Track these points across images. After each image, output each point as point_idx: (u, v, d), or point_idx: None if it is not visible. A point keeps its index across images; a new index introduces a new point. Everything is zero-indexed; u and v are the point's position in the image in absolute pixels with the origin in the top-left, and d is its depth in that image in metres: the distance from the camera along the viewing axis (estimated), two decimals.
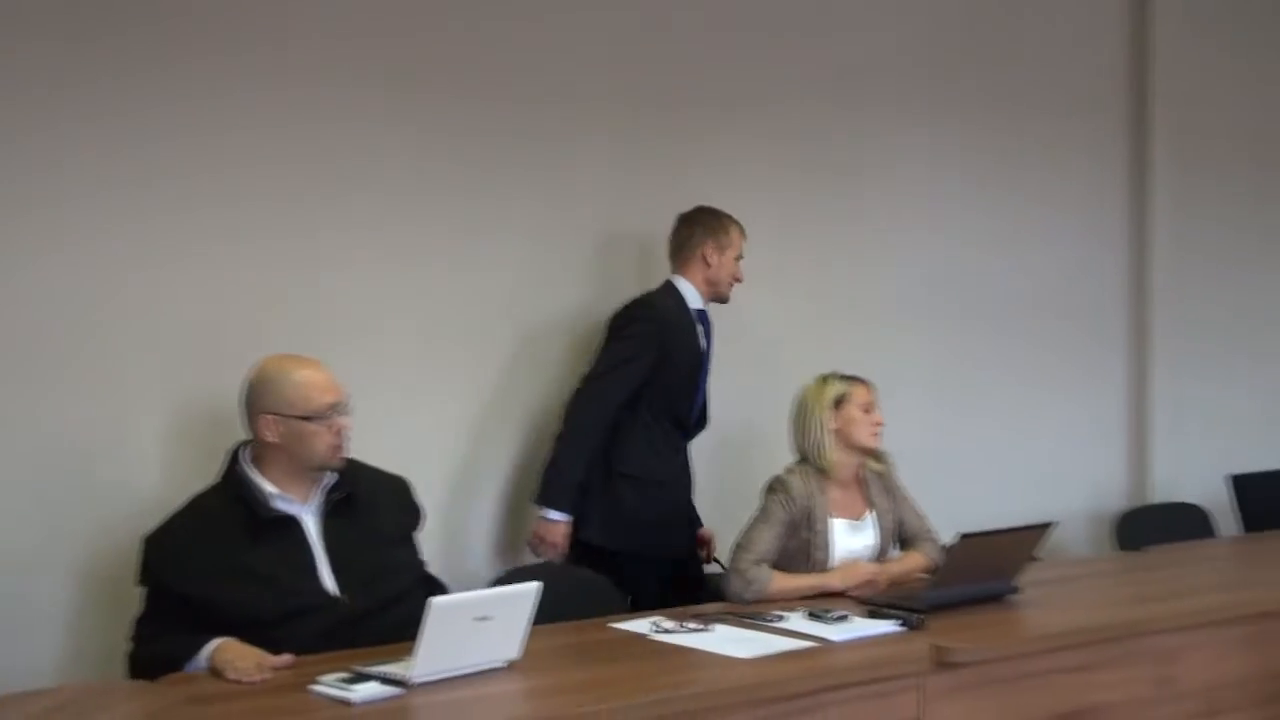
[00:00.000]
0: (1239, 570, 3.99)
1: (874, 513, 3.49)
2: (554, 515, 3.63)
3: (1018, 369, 5.11)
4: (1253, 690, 3.31)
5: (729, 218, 3.93)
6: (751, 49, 4.42)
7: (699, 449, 4.05)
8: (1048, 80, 5.15)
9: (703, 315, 3.90)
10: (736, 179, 4.35)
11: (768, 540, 3.32)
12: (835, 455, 3.42)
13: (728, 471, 4.28)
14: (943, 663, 2.78)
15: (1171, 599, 3.38)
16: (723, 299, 3.94)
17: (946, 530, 3.41)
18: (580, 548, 3.67)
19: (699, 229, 3.89)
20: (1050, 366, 5.19)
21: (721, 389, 4.18)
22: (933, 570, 3.39)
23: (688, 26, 4.29)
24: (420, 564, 2.95)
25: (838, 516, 3.42)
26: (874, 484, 3.52)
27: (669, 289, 3.87)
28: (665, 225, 4.01)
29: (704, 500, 4.17)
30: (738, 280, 3.93)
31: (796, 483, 3.39)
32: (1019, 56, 5.07)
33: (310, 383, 2.78)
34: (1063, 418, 5.21)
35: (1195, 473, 5.29)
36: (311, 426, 2.75)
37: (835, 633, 2.89)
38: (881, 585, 3.32)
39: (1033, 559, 3.42)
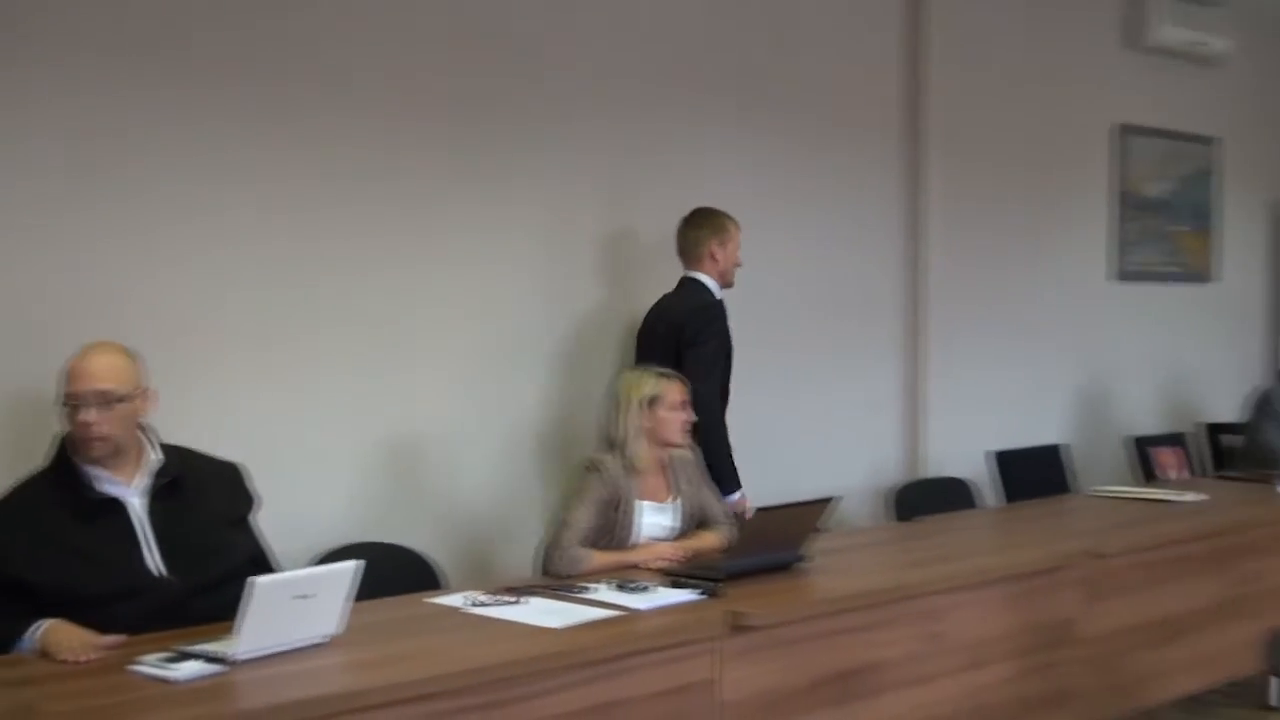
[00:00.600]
0: (1000, 536, 4.16)
1: (678, 498, 3.54)
2: (739, 494, 4.03)
3: (807, 358, 5.24)
4: (1013, 643, 3.49)
5: (725, 217, 4.30)
6: (566, 55, 4.42)
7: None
8: (834, 98, 5.29)
9: (721, 304, 4.25)
10: (566, 182, 4.38)
11: (587, 518, 3.35)
12: (642, 450, 3.46)
13: (533, 455, 4.32)
14: (738, 627, 2.86)
15: (940, 563, 3.51)
16: (730, 285, 4.31)
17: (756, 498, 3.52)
18: None
19: (704, 230, 4.27)
20: (835, 356, 5.34)
21: (551, 381, 4.24)
22: (727, 548, 3.44)
23: (521, 33, 4.27)
24: (253, 546, 2.90)
25: (645, 499, 3.47)
26: (680, 470, 3.57)
27: (698, 285, 4.24)
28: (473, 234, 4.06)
29: (510, 484, 4.23)
30: (738, 265, 4.32)
31: (612, 463, 3.43)
32: (807, 74, 5.19)
33: (70, 370, 2.68)
34: (846, 402, 5.38)
35: (962, 449, 5.55)
36: (66, 412, 2.67)
37: (640, 602, 2.94)
38: (680, 560, 3.36)
39: (819, 530, 3.52)
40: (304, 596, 2.47)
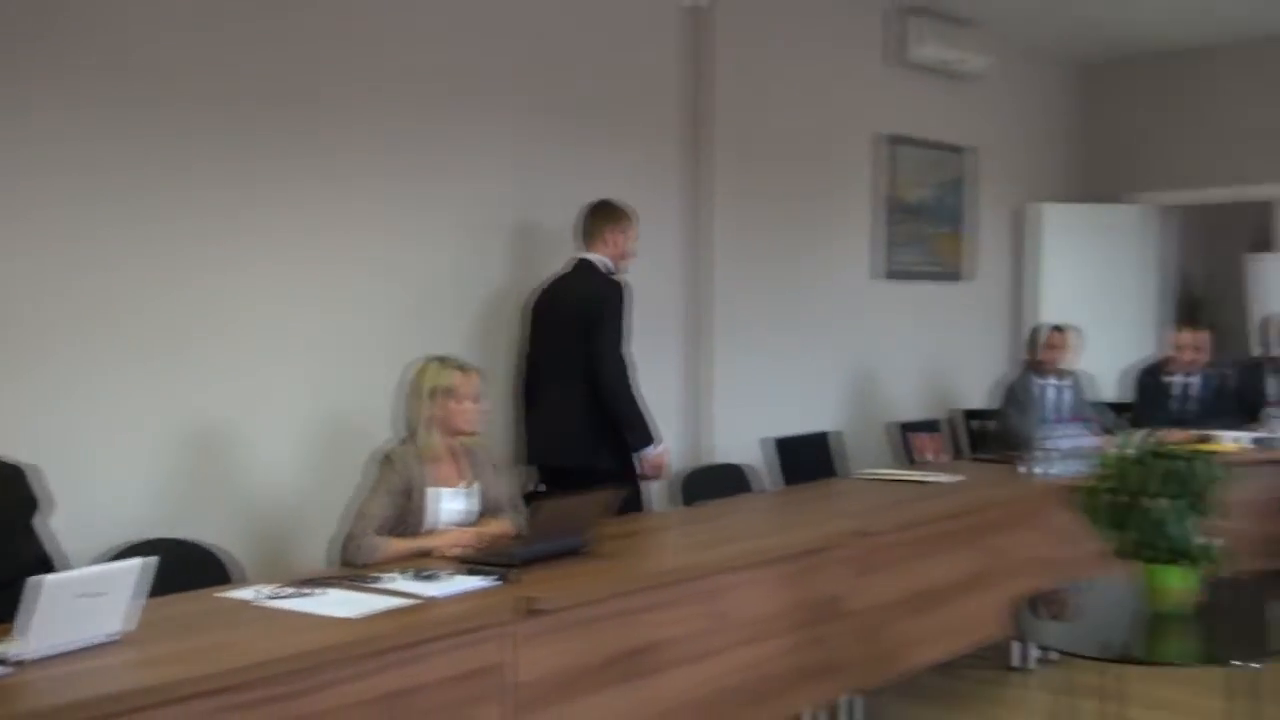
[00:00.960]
0: (777, 518, 4.28)
1: (474, 484, 3.54)
2: (659, 447, 4.41)
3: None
4: (788, 619, 3.61)
5: (625, 207, 4.65)
6: (350, 52, 4.36)
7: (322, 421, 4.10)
8: (621, 105, 5.36)
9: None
10: (337, 176, 4.31)
11: (381, 508, 3.32)
12: (434, 439, 3.45)
13: (330, 447, 4.26)
14: (531, 611, 2.88)
15: (722, 545, 3.60)
16: (622, 270, 4.60)
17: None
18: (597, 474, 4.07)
19: (602, 217, 4.59)
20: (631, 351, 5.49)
21: (325, 371, 4.17)
22: (518, 535, 3.47)
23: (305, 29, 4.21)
24: (38, 549, 2.79)
25: (440, 486, 3.46)
26: (476, 457, 3.57)
27: (592, 265, 4.55)
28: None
29: (308, 477, 4.15)
30: (633, 256, 4.65)
31: (405, 453, 3.41)
32: (595, 82, 5.24)
33: None
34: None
35: (744, 437, 5.72)
36: None
37: (435, 589, 2.93)
38: (477, 546, 3.37)
39: (608, 516, 3.59)
40: (91, 595, 2.40)
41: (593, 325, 4.38)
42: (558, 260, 4.77)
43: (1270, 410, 5.80)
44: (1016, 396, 5.97)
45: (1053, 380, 6.00)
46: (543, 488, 4.48)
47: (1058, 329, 6.12)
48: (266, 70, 4.11)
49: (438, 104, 4.65)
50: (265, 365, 4.15)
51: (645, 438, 4.40)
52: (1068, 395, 6.02)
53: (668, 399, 5.63)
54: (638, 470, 4.41)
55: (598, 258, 4.59)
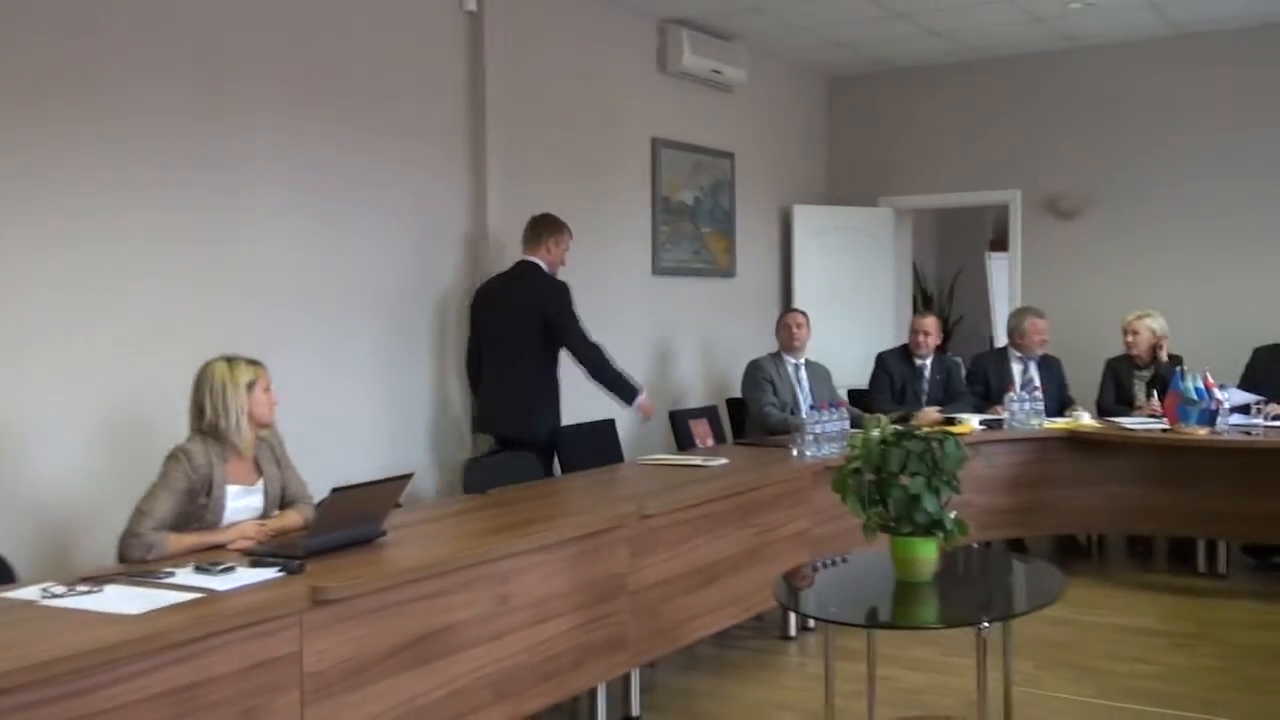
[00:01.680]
0: (561, 503, 4.27)
1: (263, 479, 3.47)
2: (643, 394, 5.30)
3: (383, 344, 5.24)
4: (573, 599, 3.64)
5: (561, 221, 5.42)
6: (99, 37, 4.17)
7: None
8: (401, 102, 5.30)
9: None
10: (126, 166, 4.13)
11: (167, 506, 3.21)
12: (247, 433, 3.39)
13: (122, 449, 4.06)
14: (319, 600, 2.82)
15: (508, 531, 3.58)
16: (555, 272, 5.34)
17: (327, 481, 3.48)
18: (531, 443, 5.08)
19: (545, 228, 5.37)
20: (408, 344, 5.36)
21: (111, 371, 3.97)
22: (306, 526, 3.40)
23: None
24: None
25: (232, 483, 3.38)
26: (264, 453, 3.50)
27: (536, 267, 5.32)
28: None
29: (105, 475, 3.93)
30: (564, 264, 5.42)
31: (199, 451, 3.31)
32: (378, 88, 5.18)
33: None
34: (418, 384, 5.40)
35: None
36: None
37: (221, 583, 2.84)
38: (263, 539, 3.31)
39: (397, 505, 3.55)
40: None
41: (556, 320, 5.18)
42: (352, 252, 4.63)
43: (1011, 395, 6.16)
44: (755, 377, 6.19)
45: (791, 361, 6.25)
46: (498, 448, 5.22)
47: (796, 310, 6.39)
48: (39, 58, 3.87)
49: (214, 96, 4.48)
50: (50, 359, 3.94)
51: (633, 392, 5.25)
52: (806, 376, 6.27)
53: (453, 388, 5.58)
54: (636, 415, 5.37)
55: (540, 261, 5.34)
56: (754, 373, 6.20)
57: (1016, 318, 6.75)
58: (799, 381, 6.26)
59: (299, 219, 4.84)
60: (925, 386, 6.55)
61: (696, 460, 5.07)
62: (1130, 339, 6.50)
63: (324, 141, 4.93)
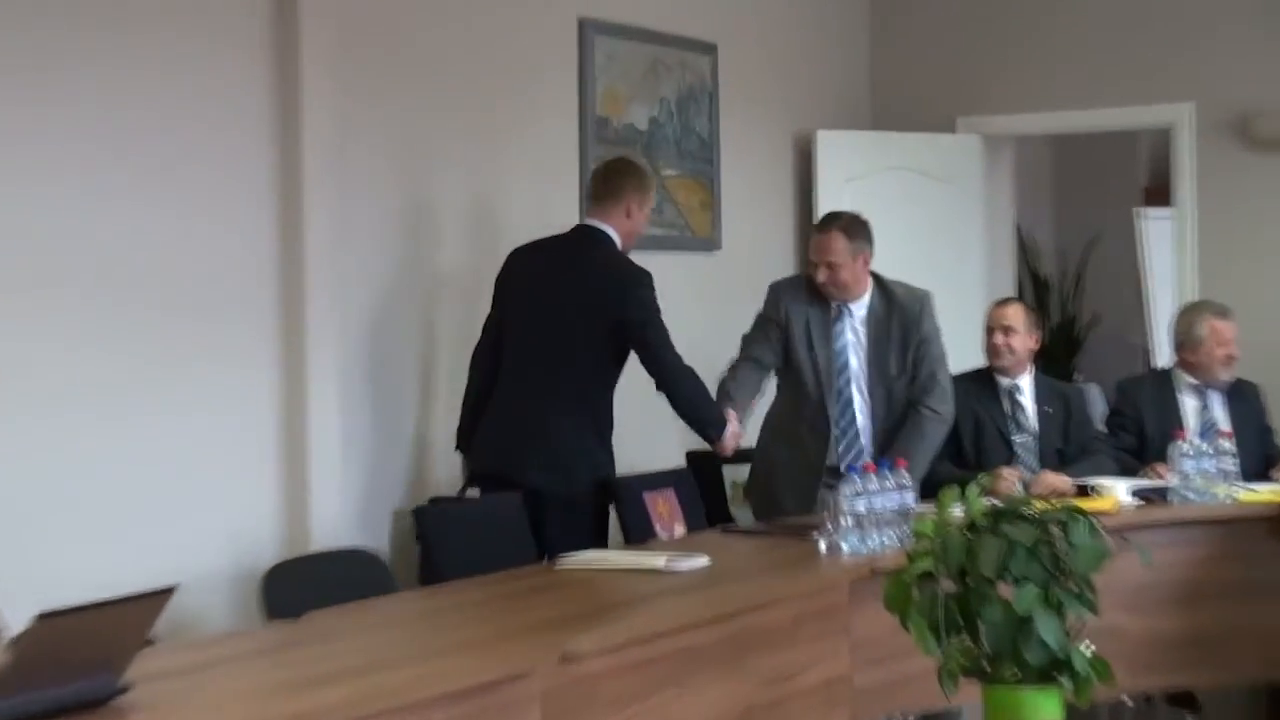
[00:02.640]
0: (427, 635, 4.26)
1: None
2: (732, 424, 5.99)
3: (134, 373, 5.27)
4: None
5: (647, 175, 6.11)
6: None
7: None
8: (194, 81, 5.46)
9: None
10: None
11: None
12: None
13: None
14: None
15: (335, 684, 3.53)
16: (628, 250, 5.94)
17: (25, 606, 3.42)
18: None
19: (623, 180, 5.91)
20: (178, 369, 5.41)
21: None
22: None
23: None
24: None
25: None
26: None
27: (604, 240, 5.86)
28: None
29: None
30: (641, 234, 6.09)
31: None
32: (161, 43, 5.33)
33: None
34: (194, 439, 5.45)
35: (372, 507, 5.74)
36: None
37: None
38: None
39: (147, 642, 3.49)
40: None
41: (639, 331, 5.78)
42: None
43: (1182, 447, 6.18)
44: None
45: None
46: (474, 492, 5.74)
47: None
48: None
49: None
50: None
51: (721, 422, 5.95)
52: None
53: (248, 448, 5.65)
54: (718, 452, 6.03)
55: (611, 230, 5.87)
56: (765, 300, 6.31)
57: (1187, 319, 6.80)
58: (838, 337, 6.30)
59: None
60: (1024, 428, 6.60)
61: (658, 560, 5.06)
62: None
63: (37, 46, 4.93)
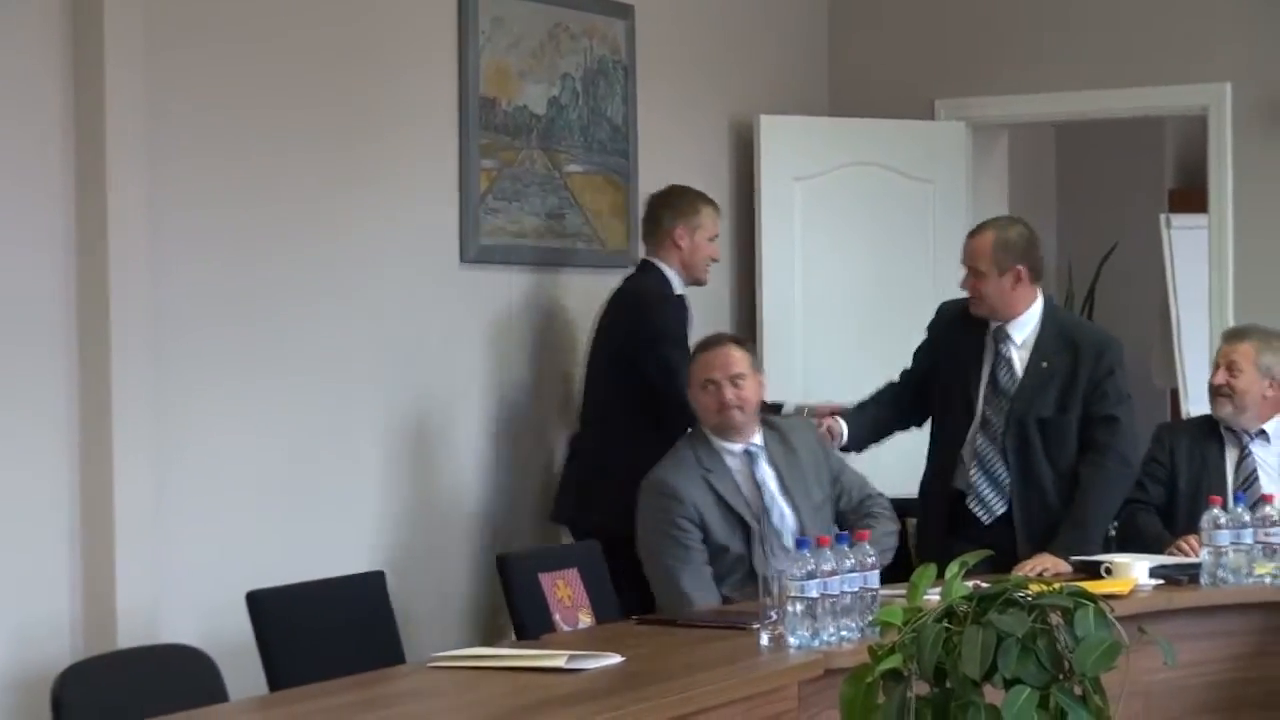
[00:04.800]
0: None
1: None
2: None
3: None
4: None
5: (699, 196, 7.29)
6: None
7: None
8: None
9: (682, 300, 7.25)
10: None
11: None
12: None
13: None
14: None
15: None
16: (699, 282, 7.34)
17: None
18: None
19: (667, 211, 7.18)
20: None
21: None
22: None
23: None
24: None
25: None
26: None
27: (656, 272, 7.20)
28: None
29: None
30: (714, 260, 7.36)
31: None
32: None
33: None
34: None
35: (196, 587, 5.71)
36: None
37: None
38: None
39: None
40: None
41: (638, 353, 7.00)
42: None
43: (1217, 515, 6.18)
44: (657, 516, 6.28)
45: (730, 450, 6.37)
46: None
47: (720, 342, 6.52)
48: None
49: None
50: None
51: None
52: (773, 472, 6.38)
53: (32, 515, 5.60)
54: None
55: (662, 263, 7.21)
56: (656, 506, 6.24)
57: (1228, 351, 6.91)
58: (762, 485, 6.34)
59: None
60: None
61: (554, 659, 5.05)
62: None
63: None
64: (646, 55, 7.79)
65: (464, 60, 7.02)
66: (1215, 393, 6.83)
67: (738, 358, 6.32)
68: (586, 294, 7.54)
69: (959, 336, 6.71)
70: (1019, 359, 6.57)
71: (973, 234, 6.80)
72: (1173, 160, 10.53)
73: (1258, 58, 8.30)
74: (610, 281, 7.63)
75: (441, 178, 6.97)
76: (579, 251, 7.52)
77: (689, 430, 6.47)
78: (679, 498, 6.20)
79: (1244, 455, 6.76)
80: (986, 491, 6.54)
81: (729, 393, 6.23)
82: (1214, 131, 8.45)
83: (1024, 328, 6.60)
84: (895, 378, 6.98)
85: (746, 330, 8.23)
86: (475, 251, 7.05)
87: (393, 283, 6.74)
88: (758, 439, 6.40)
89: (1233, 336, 6.92)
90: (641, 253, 7.39)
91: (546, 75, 7.34)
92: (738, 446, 6.35)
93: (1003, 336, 6.60)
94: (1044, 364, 6.54)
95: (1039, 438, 6.54)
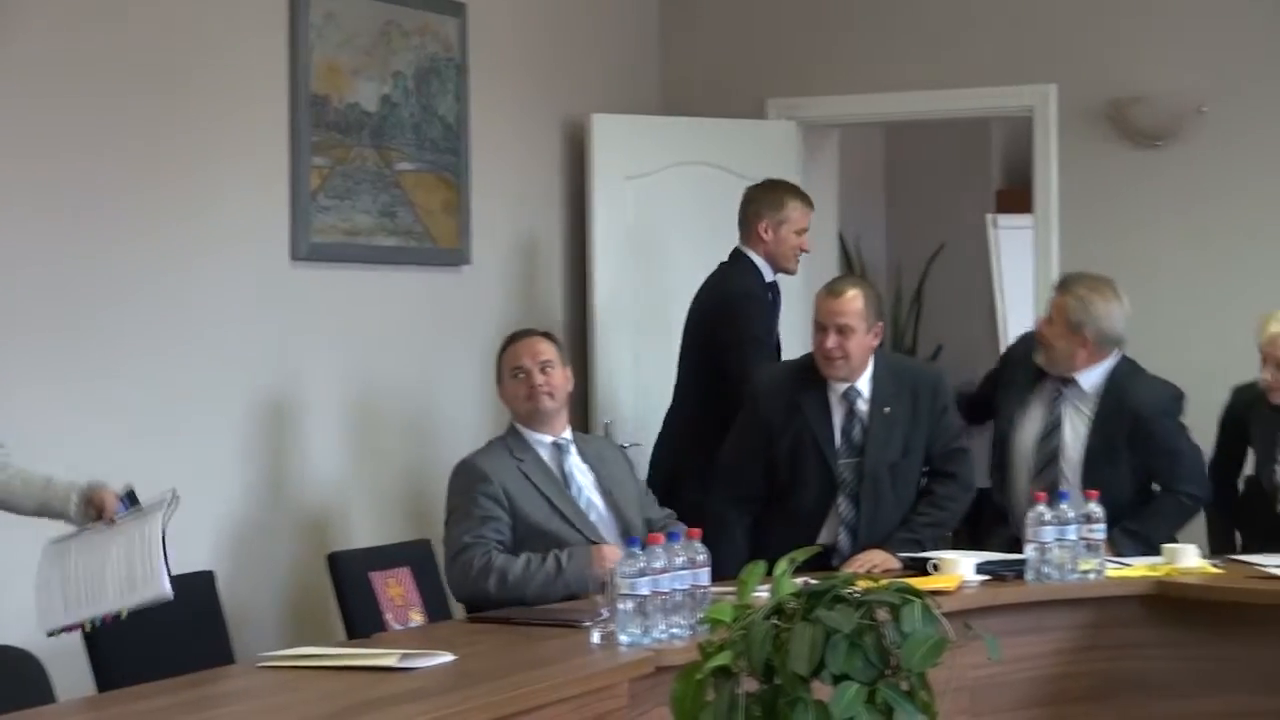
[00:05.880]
0: None
1: None
2: None
3: None
4: None
5: (788, 190, 7.66)
6: None
7: None
8: None
9: (774, 286, 7.60)
10: None
11: None
12: None
13: None
14: None
15: None
16: (787, 271, 7.66)
17: None
18: None
19: (754, 204, 7.55)
20: None
21: None
22: None
23: None
24: None
25: None
26: None
27: (744, 263, 7.56)
28: None
29: None
30: (803, 251, 7.62)
31: None
32: None
33: None
34: None
35: (27, 595, 5.62)
36: None
37: None
38: None
39: None
40: None
41: (723, 352, 7.38)
42: None
43: (1042, 512, 6.22)
44: (464, 493, 6.24)
45: (542, 441, 6.38)
46: None
47: (525, 334, 6.52)
48: None
49: None
50: None
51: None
52: (589, 470, 6.44)
53: None
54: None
55: (752, 252, 7.56)
56: (461, 486, 6.26)
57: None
58: (569, 476, 6.38)
59: None
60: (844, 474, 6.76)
61: (386, 658, 5.03)
62: (1272, 360, 6.76)
63: None
64: (479, 54, 7.77)
65: (295, 57, 6.97)
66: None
67: (545, 348, 6.36)
68: (418, 292, 7.55)
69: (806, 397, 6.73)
70: (864, 411, 6.66)
71: (837, 293, 6.64)
72: (1000, 161, 10.63)
73: (1083, 59, 8.40)
74: (441, 279, 7.64)
75: (272, 175, 6.91)
76: (411, 249, 7.48)
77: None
78: (487, 478, 6.22)
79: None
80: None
81: (538, 378, 6.26)
82: (1039, 132, 8.56)
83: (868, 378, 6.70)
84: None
85: (578, 329, 8.27)
86: (307, 249, 7.00)
87: (223, 281, 6.68)
88: (567, 433, 6.44)
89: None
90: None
91: (378, 73, 7.31)
92: (548, 438, 6.37)
93: (855, 394, 6.67)
94: (886, 409, 6.62)
95: (889, 482, 6.66)
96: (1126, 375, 6.85)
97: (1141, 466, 6.79)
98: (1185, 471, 6.79)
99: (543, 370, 6.27)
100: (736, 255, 7.58)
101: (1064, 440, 6.82)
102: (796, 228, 7.52)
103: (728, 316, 7.43)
